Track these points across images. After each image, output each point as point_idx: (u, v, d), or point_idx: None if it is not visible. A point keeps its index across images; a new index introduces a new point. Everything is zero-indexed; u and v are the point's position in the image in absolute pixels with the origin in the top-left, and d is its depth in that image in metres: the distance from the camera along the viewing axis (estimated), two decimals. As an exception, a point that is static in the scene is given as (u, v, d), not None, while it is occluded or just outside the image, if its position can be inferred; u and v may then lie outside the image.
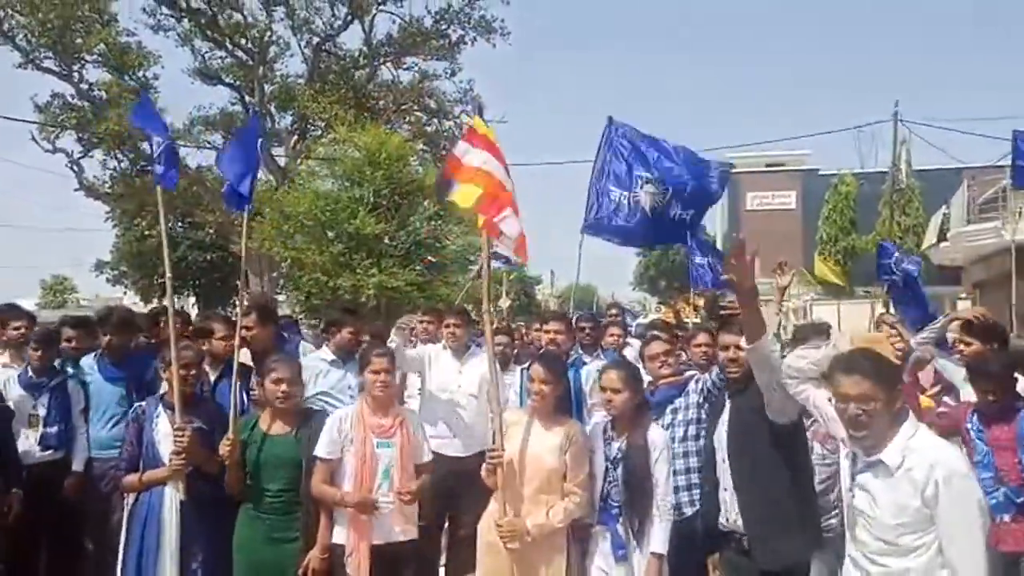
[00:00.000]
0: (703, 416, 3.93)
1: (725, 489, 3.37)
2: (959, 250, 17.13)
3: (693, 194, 6.10)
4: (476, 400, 4.71)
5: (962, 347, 4.54)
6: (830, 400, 2.71)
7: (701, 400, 3.98)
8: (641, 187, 6.04)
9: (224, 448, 3.60)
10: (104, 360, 4.93)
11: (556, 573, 3.50)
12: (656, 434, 3.60)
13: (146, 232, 30.08)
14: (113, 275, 32.16)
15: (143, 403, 3.91)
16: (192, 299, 31.37)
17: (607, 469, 3.53)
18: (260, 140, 4.49)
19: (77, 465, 4.66)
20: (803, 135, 48.18)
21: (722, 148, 20.86)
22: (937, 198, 20.38)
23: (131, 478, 3.70)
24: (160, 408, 3.78)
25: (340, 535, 3.55)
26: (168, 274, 4.11)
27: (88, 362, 4.95)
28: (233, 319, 4.57)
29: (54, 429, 4.60)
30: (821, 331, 4.78)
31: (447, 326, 5.04)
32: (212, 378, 4.35)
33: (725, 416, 3.48)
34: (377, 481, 3.54)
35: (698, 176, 6.09)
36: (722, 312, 4.17)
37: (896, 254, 7.64)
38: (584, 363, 5.19)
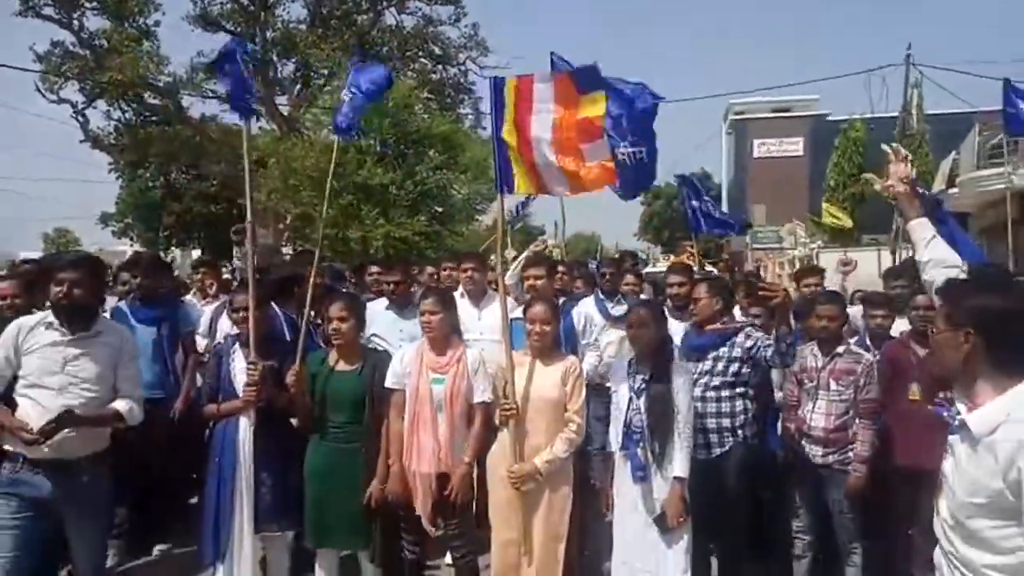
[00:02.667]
0: (743, 371, 4.06)
1: None
2: (968, 196, 17.04)
3: (632, 121, 5.81)
4: (498, 345, 4.65)
5: None
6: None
7: (745, 357, 4.05)
8: None
9: (290, 378, 3.83)
10: (136, 303, 5.07)
11: (563, 499, 3.75)
12: (678, 367, 3.81)
13: (150, 183, 30.08)
14: (119, 227, 32.14)
15: (223, 340, 4.19)
16: (197, 251, 31.46)
17: (630, 399, 3.72)
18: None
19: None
20: (811, 80, 47.12)
21: (727, 94, 20.59)
22: (949, 143, 20.18)
23: (210, 407, 3.99)
24: (237, 345, 4.01)
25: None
26: (250, 218, 4.20)
27: (121, 306, 5.08)
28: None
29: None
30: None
31: (464, 271, 5.08)
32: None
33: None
34: (430, 414, 3.75)
35: (629, 101, 5.83)
36: (760, 292, 4.11)
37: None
38: (573, 306, 5.24)
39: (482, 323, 4.83)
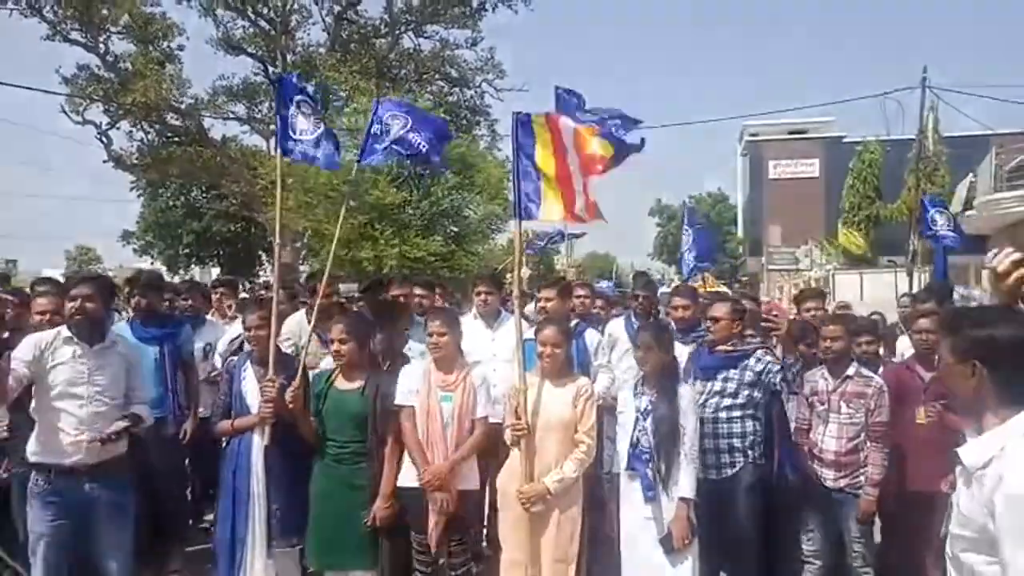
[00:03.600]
0: (754, 395, 4.06)
1: None
2: (985, 219, 16.95)
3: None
4: (511, 366, 4.52)
5: None
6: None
7: (755, 381, 4.05)
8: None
9: (289, 396, 3.86)
10: (135, 322, 4.96)
11: (572, 521, 3.76)
12: (684, 389, 3.86)
13: (171, 203, 30.51)
14: (139, 245, 32.57)
15: (234, 358, 4.23)
16: (216, 269, 31.78)
17: (637, 419, 3.76)
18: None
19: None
20: (827, 103, 47.27)
21: (743, 116, 20.69)
22: (966, 165, 20.11)
23: (224, 424, 4.06)
24: (248, 363, 4.10)
25: (410, 478, 3.80)
26: (277, 240, 4.41)
27: (121, 325, 4.96)
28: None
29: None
30: None
31: (478, 293, 5.08)
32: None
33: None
34: (439, 431, 3.81)
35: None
36: (764, 324, 4.05)
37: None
38: (586, 328, 5.18)
39: (495, 344, 4.84)
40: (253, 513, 3.85)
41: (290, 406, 3.86)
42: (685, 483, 3.65)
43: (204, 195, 29.56)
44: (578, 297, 5.60)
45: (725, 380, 4.10)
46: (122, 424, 3.56)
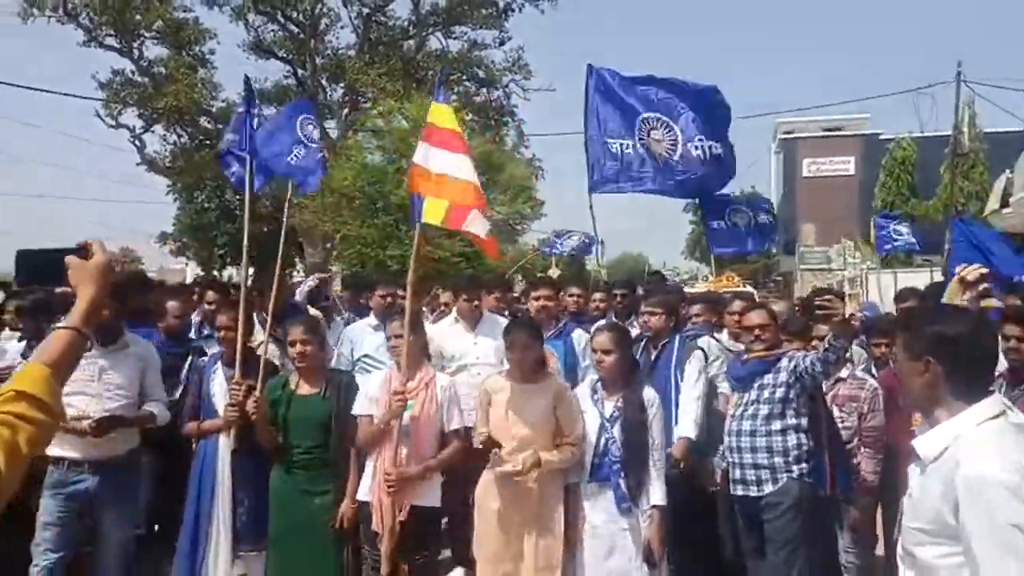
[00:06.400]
0: (791, 396, 3.77)
1: None
2: (1021, 215, 16.44)
3: (709, 121, 5.75)
4: (494, 369, 4.45)
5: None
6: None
7: (792, 380, 3.77)
8: (648, 134, 5.78)
9: (250, 406, 3.80)
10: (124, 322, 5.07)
11: (554, 525, 3.56)
12: (651, 393, 3.69)
13: (205, 204, 31.13)
14: (176, 246, 33.29)
15: (203, 358, 4.25)
16: (252, 268, 32.26)
17: (602, 426, 3.61)
18: (303, 118, 4.66)
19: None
20: (858, 99, 46.15)
21: (777, 113, 20.35)
22: (1007, 162, 19.54)
23: (191, 425, 4.08)
24: (218, 364, 4.12)
25: (364, 493, 3.68)
26: (246, 243, 4.50)
27: None
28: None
29: None
30: None
31: (463, 300, 4.95)
32: None
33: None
34: (397, 440, 3.61)
35: (703, 100, 5.76)
36: (818, 310, 3.68)
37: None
38: (574, 328, 5.06)
39: (477, 348, 4.78)
40: (217, 515, 3.84)
41: (252, 416, 3.80)
42: (657, 491, 3.53)
43: (238, 197, 30.07)
44: (571, 296, 5.57)
45: (760, 387, 3.83)
46: (109, 414, 3.66)
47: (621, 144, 5.77)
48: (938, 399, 1.93)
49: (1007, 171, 18.41)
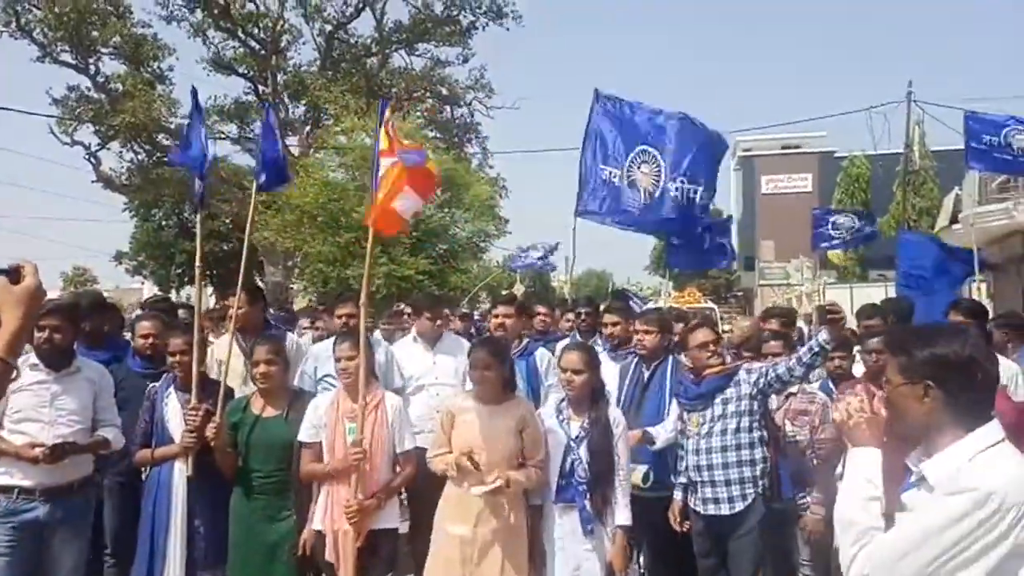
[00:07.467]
0: (755, 408, 3.78)
1: None
2: (971, 232, 16.93)
3: (695, 163, 5.70)
4: (453, 389, 4.49)
5: None
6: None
7: (755, 392, 3.77)
8: (638, 167, 5.86)
9: (210, 432, 3.70)
10: (80, 346, 4.59)
11: (518, 551, 3.49)
12: (617, 413, 3.70)
13: (163, 222, 30.58)
14: (132, 265, 32.60)
15: (156, 383, 4.07)
16: (210, 288, 31.71)
17: (568, 447, 3.57)
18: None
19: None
20: (814, 117, 47.30)
21: (736, 131, 20.71)
22: (955, 179, 20.15)
23: (144, 452, 3.91)
24: (171, 388, 3.97)
25: (318, 522, 3.59)
26: (199, 263, 4.38)
27: None
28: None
29: None
30: None
31: (421, 316, 4.92)
32: None
33: None
34: (343, 465, 3.52)
35: (696, 141, 5.73)
36: (829, 316, 3.67)
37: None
38: (538, 347, 5.06)
39: (437, 368, 4.71)
40: (174, 543, 3.72)
41: (211, 442, 3.71)
42: (622, 511, 3.52)
43: (196, 214, 29.65)
44: (538, 315, 5.57)
45: (724, 402, 3.80)
46: (60, 441, 3.55)
47: (610, 172, 5.91)
48: (939, 425, 1.83)
49: (956, 188, 18.99)
